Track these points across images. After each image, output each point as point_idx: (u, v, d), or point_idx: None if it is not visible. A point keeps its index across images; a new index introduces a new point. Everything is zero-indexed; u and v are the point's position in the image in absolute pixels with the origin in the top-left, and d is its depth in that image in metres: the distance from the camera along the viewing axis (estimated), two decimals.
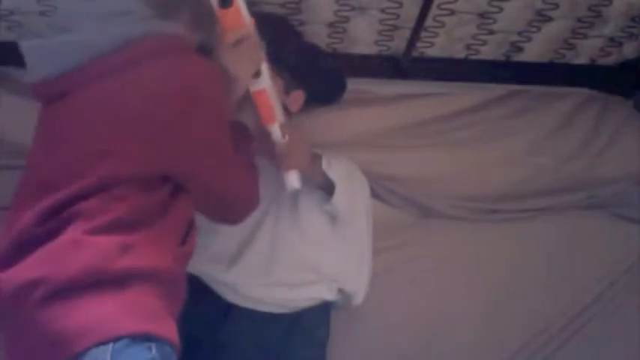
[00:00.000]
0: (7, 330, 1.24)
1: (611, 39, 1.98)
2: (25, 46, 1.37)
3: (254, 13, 1.43)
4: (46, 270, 1.18)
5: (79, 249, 1.19)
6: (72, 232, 1.21)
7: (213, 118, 1.34)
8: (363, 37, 1.96)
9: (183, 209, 1.35)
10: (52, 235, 1.22)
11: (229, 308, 1.78)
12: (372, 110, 2.10)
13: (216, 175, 1.39)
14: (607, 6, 1.81)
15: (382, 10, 1.83)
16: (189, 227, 1.37)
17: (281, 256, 1.79)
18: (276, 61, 1.59)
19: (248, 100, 1.55)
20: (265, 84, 1.51)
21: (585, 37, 1.96)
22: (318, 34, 1.93)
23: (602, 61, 2.10)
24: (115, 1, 1.40)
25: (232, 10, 1.34)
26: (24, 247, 1.23)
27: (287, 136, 1.62)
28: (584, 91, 2.18)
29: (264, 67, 1.49)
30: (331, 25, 1.90)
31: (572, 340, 2.12)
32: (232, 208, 1.52)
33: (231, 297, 1.78)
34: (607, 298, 2.13)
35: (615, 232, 2.17)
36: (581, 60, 2.10)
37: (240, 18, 1.36)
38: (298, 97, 1.80)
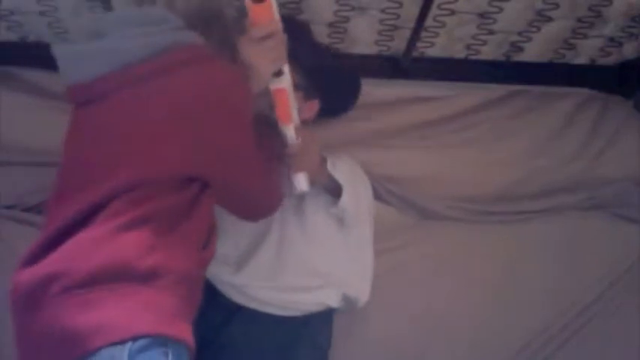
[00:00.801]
0: (20, 325, 1.24)
1: (611, 39, 1.98)
2: (58, 52, 1.38)
3: None
4: (65, 264, 1.19)
5: (101, 246, 1.20)
6: (96, 229, 1.22)
7: (235, 123, 1.36)
8: (364, 37, 1.96)
9: (207, 208, 1.37)
10: (81, 232, 1.23)
11: (235, 309, 1.78)
12: (373, 112, 2.09)
13: (237, 178, 1.42)
14: (607, 6, 1.81)
15: (382, 10, 1.83)
16: (211, 232, 1.38)
17: (288, 260, 1.79)
18: (293, 62, 1.60)
19: (262, 98, 1.55)
20: (286, 83, 1.50)
21: (585, 37, 1.97)
22: (318, 34, 1.93)
23: (602, 61, 2.11)
24: (148, 10, 1.43)
25: (264, 6, 1.34)
26: (52, 246, 1.23)
27: (300, 139, 1.62)
28: (584, 91, 2.18)
29: (287, 67, 1.49)
30: (331, 25, 1.90)
31: (572, 340, 2.11)
32: (254, 208, 1.56)
33: (237, 298, 1.78)
34: (607, 298, 2.13)
35: (615, 233, 2.17)
36: (581, 60, 2.10)
37: (270, 14, 1.36)
38: (313, 105, 1.82)
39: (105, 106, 1.33)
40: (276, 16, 1.38)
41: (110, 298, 1.16)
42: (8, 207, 1.96)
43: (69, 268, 1.18)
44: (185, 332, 1.22)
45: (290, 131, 1.61)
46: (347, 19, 1.87)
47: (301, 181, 1.67)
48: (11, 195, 1.95)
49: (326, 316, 1.86)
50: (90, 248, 1.20)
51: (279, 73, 1.47)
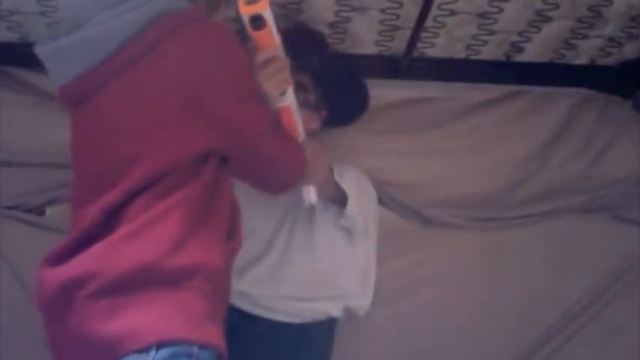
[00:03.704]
0: (49, 327, 1.23)
1: (611, 39, 1.98)
2: (42, 52, 1.31)
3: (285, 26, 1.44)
4: (93, 267, 1.17)
5: (128, 246, 1.17)
6: (121, 230, 1.19)
7: (241, 85, 1.32)
8: (364, 37, 1.96)
9: (228, 188, 1.32)
10: (106, 233, 1.20)
11: (240, 317, 1.77)
12: (373, 112, 2.09)
13: (255, 143, 1.36)
14: (607, 6, 1.81)
15: (382, 11, 1.83)
16: (235, 217, 1.34)
17: (291, 270, 1.79)
18: (304, 74, 1.61)
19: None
20: (290, 101, 1.53)
21: (585, 37, 1.97)
22: None
23: (602, 61, 2.10)
24: None
25: (264, 32, 1.38)
26: (81, 246, 1.21)
27: (306, 153, 1.63)
28: (584, 92, 2.18)
29: (290, 86, 1.51)
30: (332, 25, 1.90)
31: (572, 340, 2.12)
32: (277, 176, 1.49)
33: (240, 304, 1.78)
34: (607, 299, 2.14)
35: (615, 234, 2.17)
36: (581, 60, 2.10)
37: (270, 39, 1.40)
38: (320, 115, 1.83)
39: (101, 101, 1.26)
40: (277, 41, 1.41)
41: (138, 303, 1.14)
42: (9, 208, 1.96)
43: (97, 272, 1.16)
44: (213, 336, 1.18)
45: None
46: (347, 20, 1.87)
47: (310, 195, 1.69)
48: (12, 195, 1.95)
49: (328, 324, 1.87)
50: (117, 250, 1.17)
51: (282, 92, 1.49)
